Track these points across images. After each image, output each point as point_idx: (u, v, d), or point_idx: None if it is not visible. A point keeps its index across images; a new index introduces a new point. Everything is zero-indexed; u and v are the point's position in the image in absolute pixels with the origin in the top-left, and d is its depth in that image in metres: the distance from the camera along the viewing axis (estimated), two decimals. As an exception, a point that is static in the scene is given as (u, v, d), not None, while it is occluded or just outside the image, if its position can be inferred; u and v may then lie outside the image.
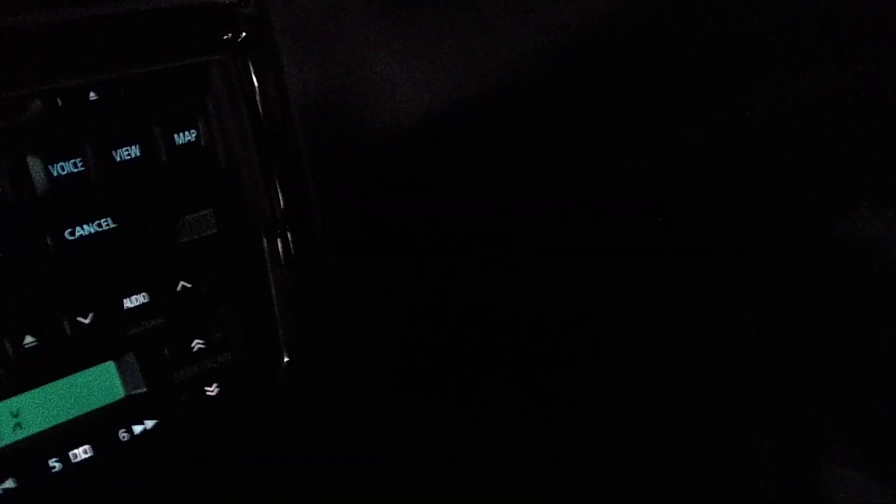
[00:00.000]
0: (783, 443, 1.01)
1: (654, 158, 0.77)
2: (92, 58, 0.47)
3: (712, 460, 1.04)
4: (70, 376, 0.49)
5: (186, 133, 0.49)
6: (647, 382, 1.00)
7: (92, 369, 0.50)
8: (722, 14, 0.68)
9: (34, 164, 0.45)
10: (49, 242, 0.47)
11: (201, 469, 0.57)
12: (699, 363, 1.04)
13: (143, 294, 0.50)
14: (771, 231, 0.98)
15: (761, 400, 1.04)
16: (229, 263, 0.53)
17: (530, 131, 0.65)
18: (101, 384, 0.50)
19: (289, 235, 0.55)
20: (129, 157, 0.48)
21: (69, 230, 0.47)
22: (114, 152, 0.47)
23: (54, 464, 0.49)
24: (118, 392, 0.51)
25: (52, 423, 0.49)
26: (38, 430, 0.49)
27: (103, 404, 0.51)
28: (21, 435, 0.48)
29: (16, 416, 0.48)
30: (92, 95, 0.47)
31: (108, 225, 0.48)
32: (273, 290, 0.55)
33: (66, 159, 0.46)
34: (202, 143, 0.50)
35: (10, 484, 0.48)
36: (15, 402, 0.48)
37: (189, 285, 0.52)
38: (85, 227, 0.47)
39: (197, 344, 0.53)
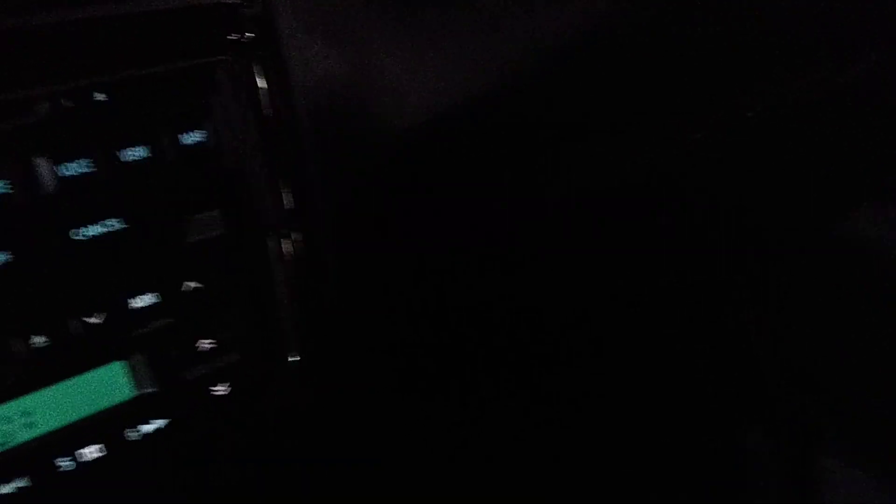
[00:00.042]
0: (783, 442, 1.01)
1: (656, 158, 0.77)
2: (98, 59, 0.47)
3: (712, 460, 1.04)
4: (81, 375, 0.49)
5: (193, 134, 0.50)
6: (646, 382, 1.01)
7: (101, 369, 0.50)
8: (722, 14, 0.68)
9: (41, 165, 0.46)
10: (57, 243, 0.47)
11: (210, 468, 0.58)
12: (699, 363, 1.04)
13: (152, 294, 0.50)
14: (771, 231, 0.99)
15: (761, 400, 1.04)
16: (236, 263, 0.53)
17: (535, 130, 0.65)
18: (110, 384, 0.50)
19: (295, 235, 0.55)
20: (136, 158, 0.48)
21: (77, 230, 0.47)
22: (121, 153, 0.48)
23: (66, 462, 0.50)
24: (128, 391, 0.51)
25: (63, 422, 0.49)
26: (50, 429, 0.49)
27: (113, 404, 0.51)
28: (33, 434, 0.48)
29: (28, 414, 0.48)
30: (99, 96, 0.47)
31: (115, 225, 0.48)
32: (280, 290, 0.55)
33: (74, 160, 0.46)
34: (209, 143, 0.50)
35: (21, 483, 0.48)
36: (26, 401, 0.48)
37: (197, 285, 0.52)
38: (92, 227, 0.48)
39: (206, 343, 0.53)
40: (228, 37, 0.51)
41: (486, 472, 0.89)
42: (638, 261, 0.93)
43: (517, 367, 0.90)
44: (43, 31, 0.45)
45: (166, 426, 0.52)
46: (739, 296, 1.03)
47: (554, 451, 0.95)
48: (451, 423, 0.86)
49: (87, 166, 0.47)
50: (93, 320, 0.49)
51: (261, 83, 0.52)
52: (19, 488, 0.49)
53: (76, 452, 0.50)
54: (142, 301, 0.50)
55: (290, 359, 0.57)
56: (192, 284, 0.52)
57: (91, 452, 0.50)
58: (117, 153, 0.47)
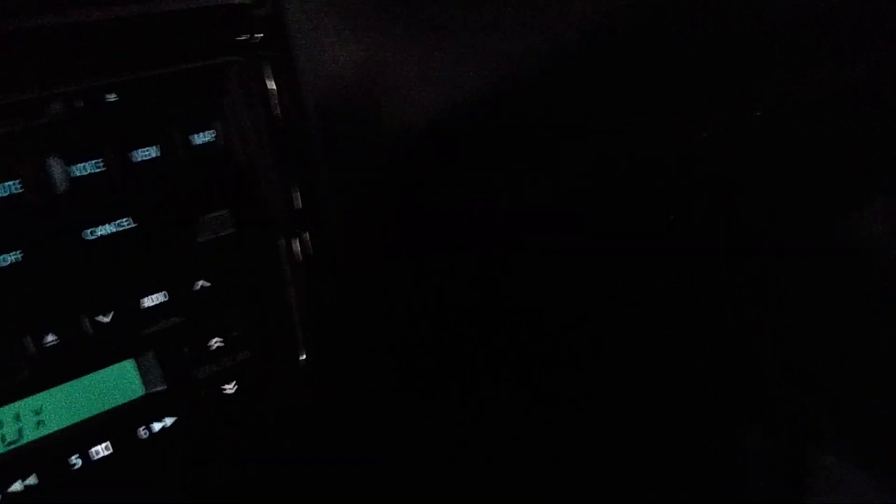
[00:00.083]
0: (783, 442, 1.01)
1: (659, 158, 0.78)
2: (110, 59, 0.48)
3: (712, 460, 1.04)
4: (91, 374, 0.50)
5: (204, 133, 0.50)
6: (646, 382, 1.01)
7: (112, 367, 0.50)
8: (726, 14, 0.69)
9: (54, 165, 0.46)
10: (68, 242, 0.47)
11: (219, 467, 0.58)
12: (699, 363, 1.04)
13: (162, 293, 0.51)
14: (772, 231, 0.99)
15: (761, 400, 1.05)
16: (247, 263, 0.53)
17: (543, 130, 0.65)
18: (121, 382, 0.51)
19: (305, 234, 0.55)
20: (147, 158, 0.48)
21: (89, 230, 0.48)
22: (132, 153, 0.48)
23: (75, 460, 0.50)
24: (138, 390, 0.51)
25: (74, 420, 0.50)
26: (60, 427, 0.49)
27: (123, 402, 0.51)
28: (43, 432, 0.49)
29: (38, 413, 0.48)
30: (111, 97, 0.48)
31: (127, 225, 0.49)
32: (290, 289, 0.55)
33: (86, 160, 0.47)
34: (219, 143, 0.51)
35: (32, 480, 0.49)
36: (37, 399, 0.48)
37: (207, 284, 0.52)
38: (104, 226, 0.48)
39: (215, 342, 0.53)
40: (238, 38, 0.51)
41: (486, 472, 0.89)
42: (638, 261, 0.93)
43: (518, 368, 0.90)
44: (54, 33, 0.46)
45: (176, 424, 0.53)
46: (739, 296, 1.03)
47: (554, 451, 0.95)
48: (452, 423, 0.86)
49: (99, 166, 0.47)
50: (103, 319, 0.49)
51: (270, 84, 0.53)
52: (29, 486, 0.49)
53: (85, 451, 0.50)
54: (152, 300, 0.50)
55: (299, 358, 0.57)
56: (202, 283, 0.52)
57: (100, 451, 0.51)
58: (128, 153, 0.48)
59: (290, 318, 0.56)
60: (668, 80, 0.71)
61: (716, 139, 0.82)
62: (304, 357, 0.57)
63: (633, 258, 0.93)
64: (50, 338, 0.48)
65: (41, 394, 0.48)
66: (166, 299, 0.51)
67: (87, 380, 0.50)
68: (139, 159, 0.48)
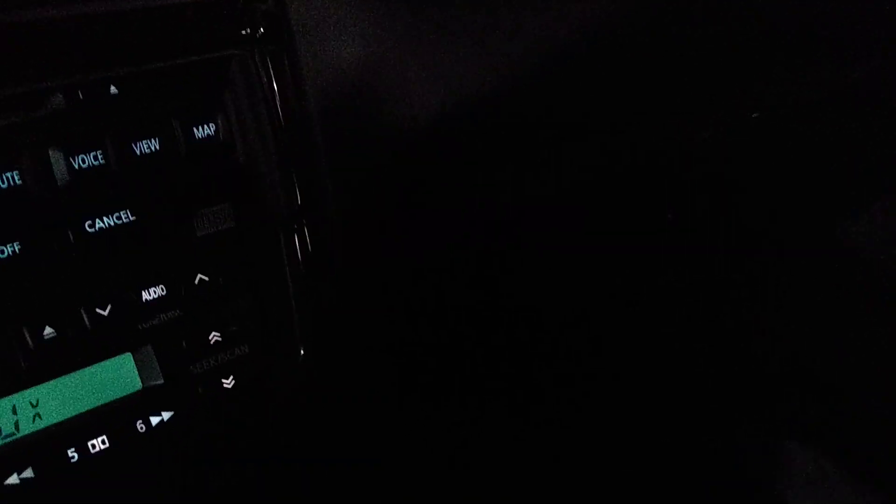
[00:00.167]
0: (783, 442, 1.01)
1: (660, 158, 0.78)
2: (112, 52, 0.48)
3: (712, 460, 1.04)
4: (88, 367, 0.50)
5: (205, 127, 0.50)
6: (646, 382, 1.01)
7: (110, 361, 0.50)
8: (727, 15, 0.69)
9: (55, 157, 0.46)
10: (69, 234, 0.47)
11: (216, 461, 0.58)
12: (699, 363, 1.04)
13: (161, 287, 0.51)
14: (772, 230, 0.99)
15: (761, 400, 1.05)
16: (246, 257, 0.53)
17: (543, 129, 0.65)
18: (118, 376, 0.51)
19: (306, 230, 0.55)
20: (148, 151, 0.48)
21: (89, 222, 0.47)
22: (134, 145, 0.48)
23: (72, 454, 0.50)
24: (136, 384, 0.51)
25: (71, 413, 0.49)
26: (57, 420, 0.49)
27: (121, 396, 0.51)
28: (40, 425, 0.49)
29: (35, 406, 0.48)
30: (112, 89, 0.47)
31: (127, 218, 0.48)
32: (289, 284, 0.55)
33: (87, 152, 0.46)
34: (221, 137, 0.50)
35: (28, 473, 0.48)
36: (34, 392, 0.48)
37: (206, 278, 0.52)
38: (104, 219, 0.48)
39: (214, 336, 0.53)
40: (241, 31, 0.51)
41: (486, 472, 0.89)
42: (638, 260, 0.93)
43: (517, 365, 0.90)
44: (57, 25, 0.46)
45: (174, 419, 0.52)
46: (739, 295, 1.03)
47: (553, 451, 0.95)
48: (451, 420, 0.86)
49: (99, 159, 0.47)
50: (102, 312, 0.49)
51: (272, 78, 0.52)
52: (25, 479, 0.49)
53: (82, 444, 0.50)
54: (151, 294, 0.50)
55: (297, 353, 0.57)
56: (201, 278, 0.52)
57: (97, 444, 0.50)
58: (129, 146, 0.48)
59: (289, 313, 0.56)
60: (667, 80, 0.71)
61: (715, 139, 0.82)
62: (303, 352, 0.57)
63: (633, 257, 0.93)
64: (48, 330, 0.48)
65: (38, 386, 0.48)
66: (165, 293, 0.51)
67: (84, 373, 0.50)
68: (140, 152, 0.48)
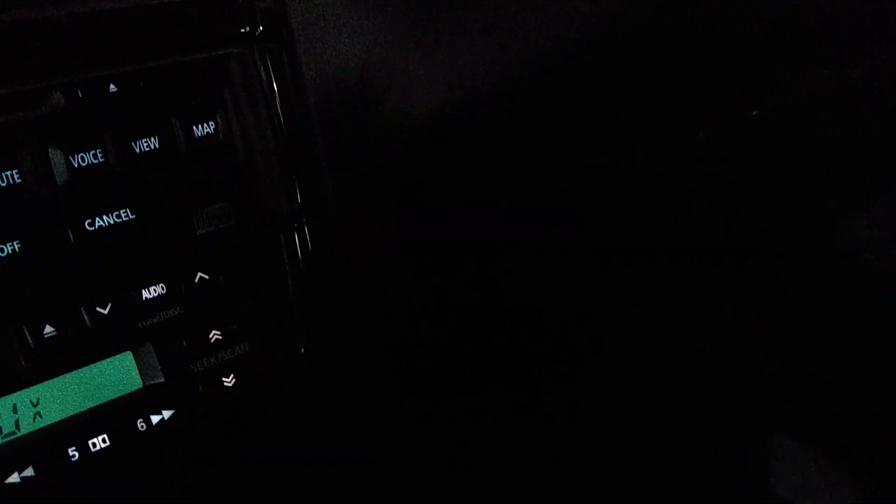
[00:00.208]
0: (783, 442, 1.01)
1: (658, 157, 0.78)
2: (112, 50, 0.48)
3: (712, 460, 1.04)
4: (89, 366, 0.50)
5: (205, 125, 0.50)
6: (646, 382, 1.01)
7: (110, 359, 0.50)
8: (725, 14, 0.69)
9: (55, 156, 0.46)
10: (69, 233, 0.47)
11: (217, 460, 0.58)
12: (699, 363, 1.04)
13: (161, 285, 0.51)
14: (772, 230, 0.99)
15: (761, 400, 1.05)
16: (246, 255, 0.53)
17: (541, 129, 0.65)
18: (119, 374, 0.51)
19: (306, 228, 0.55)
20: (148, 149, 0.48)
21: (89, 221, 0.47)
22: (133, 144, 0.48)
23: (73, 452, 0.50)
24: (136, 382, 0.51)
25: (71, 412, 0.49)
26: (58, 419, 0.49)
27: (121, 394, 0.51)
28: (41, 424, 0.49)
29: (36, 405, 0.48)
30: (112, 87, 0.47)
31: (126, 216, 0.48)
32: (290, 283, 0.55)
33: (87, 150, 0.47)
34: (220, 135, 0.50)
35: (29, 472, 0.48)
36: (35, 391, 0.48)
37: (206, 277, 0.52)
38: (104, 217, 0.48)
39: (214, 335, 0.53)
40: (240, 30, 0.51)
41: (486, 472, 0.89)
42: (638, 260, 0.93)
43: (519, 367, 0.90)
44: (57, 23, 0.46)
45: (174, 417, 0.52)
46: (740, 295, 1.03)
47: (553, 451, 0.95)
48: (451, 419, 0.86)
49: (99, 157, 0.47)
50: (102, 311, 0.49)
51: (271, 76, 0.52)
52: (26, 478, 0.49)
53: (83, 443, 0.50)
54: (151, 292, 0.50)
55: (298, 351, 0.57)
56: (202, 276, 0.52)
57: (98, 443, 0.50)
58: (129, 144, 0.48)
59: (289, 311, 0.56)
60: (667, 80, 0.71)
61: (715, 139, 0.82)
62: (303, 351, 0.57)
63: (633, 257, 0.92)
64: (48, 329, 0.48)
65: (39, 385, 0.48)
66: (165, 292, 0.51)
67: (85, 372, 0.50)
68: (140, 150, 0.48)
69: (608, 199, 0.82)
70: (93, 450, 0.50)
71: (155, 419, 0.52)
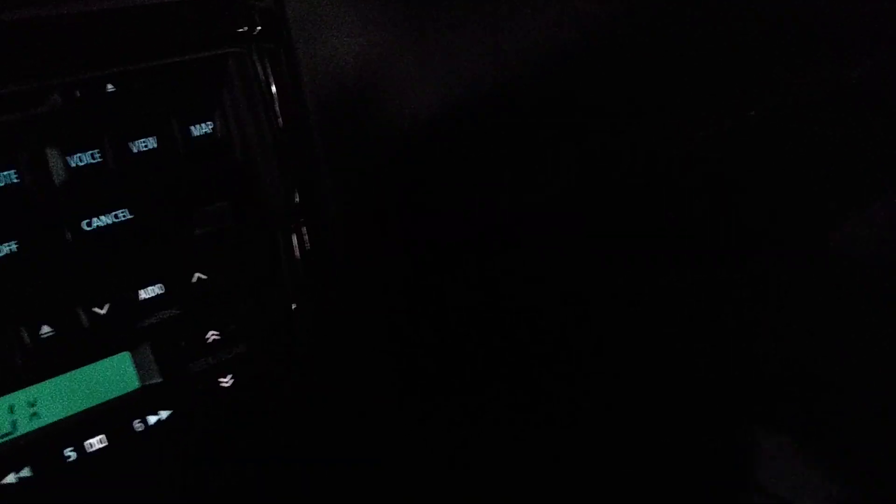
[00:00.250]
0: (783, 442, 1.01)
1: (656, 157, 0.77)
2: (109, 50, 0.48)
3: (712, 460, 1.04)
4: (86, 366, 0.49)
5: (203, 125, 0.50)
6: (646, 382, 1.01)
7: (108, 360, 0.50)
8: (725, 14, 0.69)
9: (53, 156, 0.46)
10: (66, 233, 0.47)
11: (215, 460, 0.57)
12: (699, 363, 1.04)
13: (159, 285, 0.50)
14: (772, 230, 0.99)
15: (761, 400, 1.05)
16: (244, 256, 0.53)
17: (539, 129, 0.65)
18: (116, 374, 0.50)
19: (304, 228, 0.55)
20: (146, 149, 0.48)
21: (86, 221, 0.47)
22: (131, 144, 0.48)
23: (70, 453, 0.49)
24: (133, 382, 0.51)
25: (68, 412, 0.49)
26: (55, 419, 0.49)
27: (119, 394, 0.51)
28: (37, 424, 0.48)
29: (32, 405, 0.48)
30: (110, 87, 0.47)
31: (124, 216, 0.48)
32: (288, 283, 0.55)
33: (84, 150, 0.46)
34: (218, 135, 0.50)
35: (25, 472, 0.48)
36: (32, 391, 0.48)
37: (204, 277, 0.52)
38: (102, 217, 0.48)
39: (212, 335, 0.53)
40: (238, 29, 0.51)
41: (486, 471, 0.89)
42: (638, 260, 0.93)
43: (519, 367, 0.90)
44: (54, 23, 0.45)
45: (172, 417, 0.52)
46: (740, 295, 1.03)
47: (553, 451, 0.95)
48: (451, 420, 0.86)
49: (97, 157, 0.47)
50: (99, 311, 0.49)
51: (270, 76, 0.52)
52: (23, 479, 0.48)
53: (80, 443, 0.50)
54: (149, 292, 0.50)
55: (296, 352, 0.56)
56: (199, 276, 0.52)
57: (95, 444, 0.50)
58: (126, 144, 0.48)
59: (287, 312, 0.56)
60: (666, 80, 0.71)
61: (715, 138, 0.82)
62: (301, 351, 0.57)
63: (634, 257, 0.92)
64: (45, 329, 0.47)
65: (36, 385, 0.48)
66: (163, 292, 0.51)
67: (82, 372, 0.50)
68: (138, 150, 0.48)
69: (608, 199, 0.82)
70: (90, 450, 0.50)
71: (152, 419, 0.52)
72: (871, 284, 1.00)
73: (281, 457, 0.61)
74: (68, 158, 0.46)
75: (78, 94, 0.46)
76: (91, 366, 0.50)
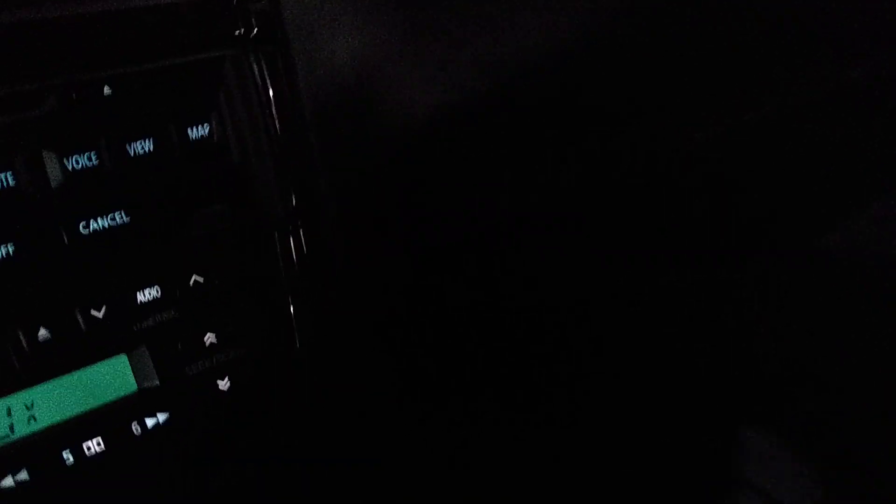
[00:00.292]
0: (782, 441, 1.01)
1: (658, 158, 0.77)
2: (106, 52, 0.47)
3: (712, 460, 1.04)
4: (83, 369, 0.49)
5: (199, 127, 0.50)
6: (647, 383, 1.01)
7: (105, 362, 0.50)
8: (725, 14, 0.69)
9: (49, 158, 0.46)
10: (63, 236, 0.47)
11: (213, 463, 0.57)
12: (700, 362, 1.04)
13: (156, 288, 0.50)
14: (771, 231, 0.99)
15: (761, 399, 1.05)
16: (242, 258, 0.53)
17: (536, 130, 0.65)
18: (114, 377, 0.50)
19: (301, 230, 0.55)
20: (142, 152, 0.48)
21: (83, 223, 0.47)
22: (128, 146, 0.48)
23: (67, 456, 0.49)
24: (131, 385, 0.51)
25: (66, 415, 0.49)
26: (52, 422, 0.49)
27: (116, 397, 0.51)
28: (35, 427, 0.48)
29: (30, 408, 0.48)
30: (106, 90, 0.47)
31: (121, 219, 0.48)
32: (285, 285, 0.55)
33: (81, 153, 0.46)
34: (215, 137, 0.50)
35: (23, 476, 0.48)
36: (29, 394, 0.48)
37: (201, 279, 0.52)
38: (99, 220, 0.48)
39: (209, 338, 0.53)
40: (235, 31, 0.51)
41: (486, 472, 0.89)
42: (638, 260, 0.93)
43: (519, 367, 0.90)
44: (51, 25, 0.45)
45: (169, 420, 0.52)
46: (740, 295, 1.03)
47: (553, 451, 0.95)
48: (450, 421, 0.86)
49: (94, 159, 0.47)
50: (96, 314, 0.49)
51: (267, 78, 0.52)
52: (20, 482, 0.48)
53: (78, 446, 0.50)
54: (146, 295, 0.50)
55: (293, 354, 0.56)
56: (197, 279, 0.51)
57: (92, 446, 0.50)
58: (123, 147, 0.47)
59: (284, 314, 0.56)
60: (666, 81, 0.71)
61: (715, 138, 0.82)
62: (299, 354, 0.57)
63: (634, 257, 0.92)
64: (43, 332, 0.47)
65: (33, 388, 0.48)
66: (160, 294, 0.51)
67: (79, 375, 0.49)
68: (135, 153, 0.48)
69: (608, 199, 0.82)
70: (87, 453, 0.50)
71: (150, 422, 0.52)
72: (870, 284, 1.00)
73: (279, 459, 0.61)
74: (65, 161, 0.46)
75: (74, 96, 0.46)
76: (88, 368, 0.50)
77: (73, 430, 0.50)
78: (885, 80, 0.86)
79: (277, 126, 0.53)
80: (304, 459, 0.63)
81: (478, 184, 0.66)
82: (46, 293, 0.47)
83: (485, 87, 0.60)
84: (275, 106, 0.53)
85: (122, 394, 0.51)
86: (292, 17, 0.53)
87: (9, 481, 0.48)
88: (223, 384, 0.54)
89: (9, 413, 0.48)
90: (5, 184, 0.44)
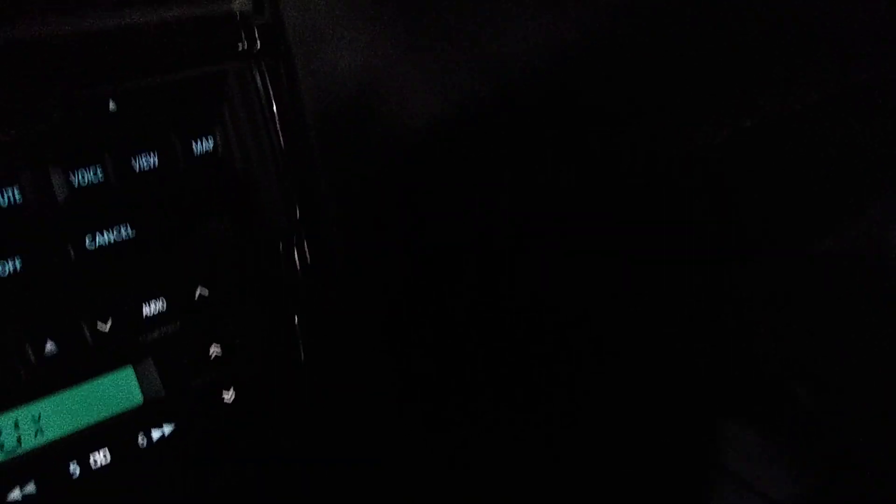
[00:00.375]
0: (782, 441, 1.02)
1: (659, 159, 0.78)
2: (111, 68, 0.48)
3: (711, 460, 1.04)
4: (89, 382, 0.50)
5: (204, 141, 0.50)
6: (647, 383, 1.01)
7: (111, 375, 0.50)
8: (726, 16, 0.69)
9: (55, 173, 0.46)
10: (70, 250, 0.47)
11: (219, 475, 0.58)
12: (699, 362, 1.04)
13: (162, 300, 0.51)
14: (771, 232, 0.99)
15: (760, 398, 1.05)
16: (246, 270, 0.53)
17: (537, 134, 0.65)
18: (120, 389, 0.51)
19: (305, 242, 0.55)
20: (147, 166, 0.48)
21: (89, 238, 0.48)
22: (133, 160, 0.48)
23: (74, 468, 0.50)
24: (137, 397, 0.51)
25: (72, 427, 0.50)
26: (59, 434, 0.49)
27: (122, 409, 0.51)
28: (42, 440, 0.49)
29: (37, 420, 0.48)
30: (111, 105, 0.47)
31: (126, 233, 0.49)
32: (290, 297, 0.55)
33: (87, 168, 0.47)
34: (219, 151, 0.50)
35: (30, 488, 0.49)
36: (36, 407, 0.48)
37: (206, 292, 0.52)
38: (104, 234, 0.48)
39: (214, 350, 0.53)
40: (238, 46, 0.51)
41: (486, 472, 0.89)
42: (639, 260, 0.93)
43: (519, 368, 0.90)
44: (55, 41, 0.46)
45: (175, 432, 0.53)
46: (739, 295, 1.03)
47: (553, 451, 0.95)
48: (452, 424, 0.86)
49: (99, 174, 0.47)
50: (103, 327, 0.49)
51: (270, 91, 0.52)
52: (27, 495, 0.49)
53: (84, 459, 0.50)
54: (151, 308, 0.50)
55: (299, 366, 0.57)
56: (202, 291, 0.52)
57: (99, 459, 0.51)
58: (128, 161, 0.48)
59: (289, 325, 0.56)
60: (667, 83, 0.71)
61: (716, 141, 0.82)
62: (304, 365, 0.57)
63: (634, 258, 0.93)
64: (49, 345, 0.48)
65: (40, 401, 0.48)
66: (165, 307, 0.51)
67: (86, 387, 0.50)
68: (140, 167, 0.48)
69: (608, 200, 0.82)
70: (94, 465, 0.50)
71: (156, 434, 0.52)
72: (870, 285, 1.00)
73: (285, 470, 0.61)
74: (70, 176, 0.46)
75: (79, 111, 0.46)
76: (95, 381, 0.50)
77: (80, 442, 0.50)
78: (887, 82, 0.86)
79: (281, 138, 0.53)
80: (310, 470, 0.63)
81: (479, 186, 0.66)
82: (53, 307, 0.48)
83: (485, 88, 0.60)
84: (278, 119, 0.53)
85: (128, 406, 0.51)
86: (295, 30, 0.53)
87: (16, 494, 0.48)
88: (228, 396, 0.54)
89: (16, 426, 0.48)
90: (12, 199, 0.45)
